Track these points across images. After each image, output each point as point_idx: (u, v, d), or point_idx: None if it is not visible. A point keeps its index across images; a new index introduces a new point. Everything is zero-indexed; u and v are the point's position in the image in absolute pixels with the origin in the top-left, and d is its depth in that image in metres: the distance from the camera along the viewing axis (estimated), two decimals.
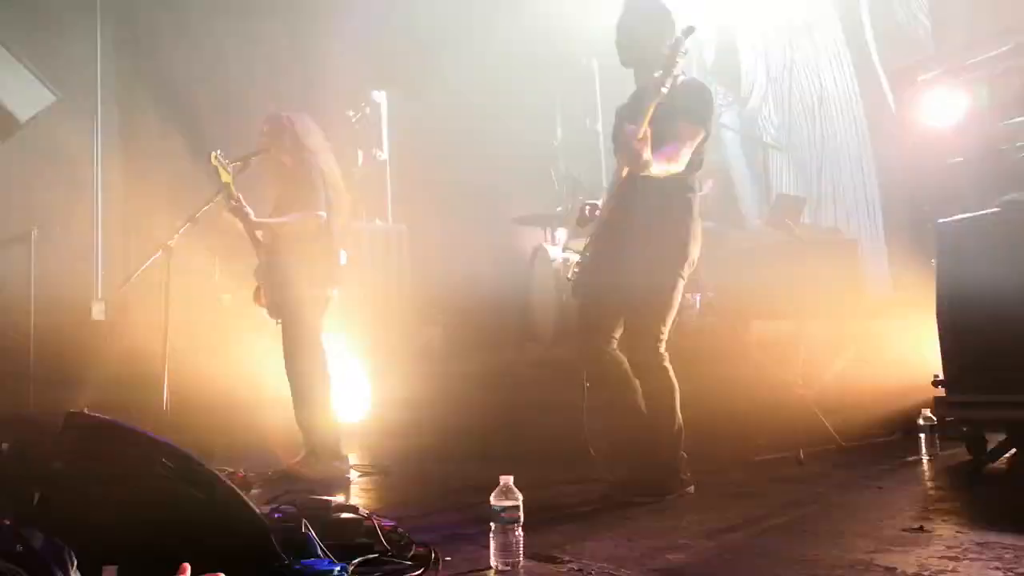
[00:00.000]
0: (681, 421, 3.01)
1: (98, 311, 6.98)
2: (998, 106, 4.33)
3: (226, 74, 7.71)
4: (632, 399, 3.08)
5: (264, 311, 4.25)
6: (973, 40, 4.57)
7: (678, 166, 2.88)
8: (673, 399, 3.00)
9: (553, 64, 7.78)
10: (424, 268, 8.49)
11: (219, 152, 3.97)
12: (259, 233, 4.13)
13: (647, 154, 2.69)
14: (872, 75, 6.08)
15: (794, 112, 6.80)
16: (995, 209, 3.56)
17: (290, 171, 4.17)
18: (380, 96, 8.51)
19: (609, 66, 7.37)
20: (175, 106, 7.65)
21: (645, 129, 2.69)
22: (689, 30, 2.71)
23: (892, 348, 5.26)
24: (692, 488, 2.98)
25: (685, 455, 3.01)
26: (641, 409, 3.06)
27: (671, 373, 3.02)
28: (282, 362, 4.16)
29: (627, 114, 3.09)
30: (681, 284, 3.01)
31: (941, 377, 3.49)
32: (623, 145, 2.76)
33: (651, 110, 2.73)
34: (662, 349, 2.99)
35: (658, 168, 2.78)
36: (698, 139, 2.94)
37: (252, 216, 4.04)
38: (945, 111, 4.52)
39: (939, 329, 3.54)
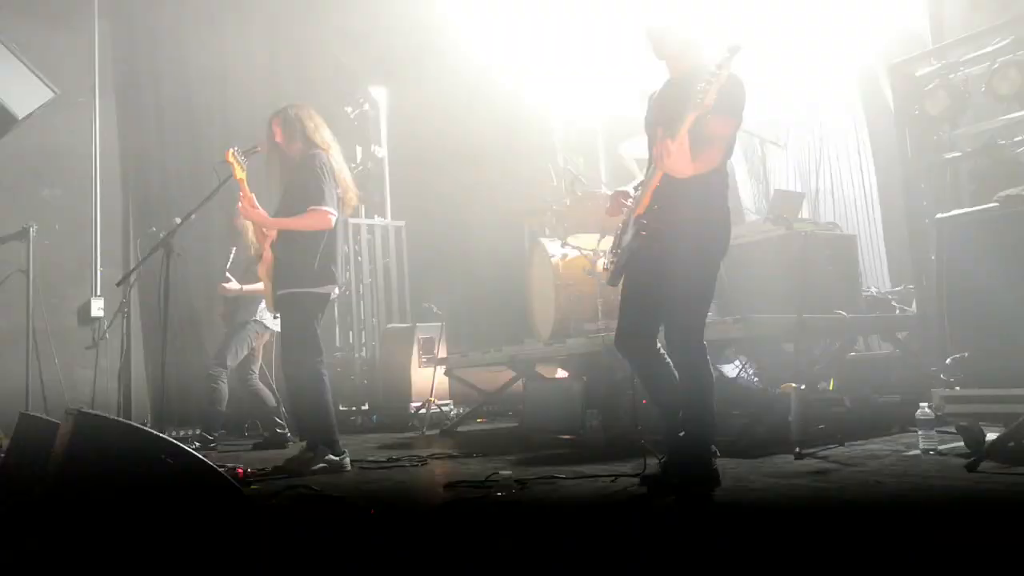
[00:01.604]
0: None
1: (97, 308, 6.99)
2: (997, 101, 4.34)
3: (224, 70, 7.71)
4: (673, 395, 3.09)
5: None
6: (971, 35, 4.56)
7: (718, 164, 2.91)
8: (713, 394, 3.02)
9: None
10: (423, 264, 8.51)
11: (236, 148, 4.00)
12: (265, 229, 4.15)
13: (686, 165, 2.74)
14: (870, 70, 6.08)
15: (792, 108, 6.80)
16: (993, 204, 3.57)
17: (298, 165, 4.17)
18: (379, 92, 8.51)
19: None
20: (174, 102, 7.65)
21: (683, 137, 2.70)
22: (735, 48, 2.64)
23: (890, 342, 5.28)
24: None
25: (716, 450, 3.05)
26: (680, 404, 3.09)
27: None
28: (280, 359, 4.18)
29: (661, 110, 3.06)
30: (716, 275, 3.03)
31: (940, 371, 3.51)
32: (661, 158, 2.76)
33: (690, 121, 2.70)
34: (704, 342, 3.01)
35: (698, 171, 2.81)
36: (732, 130, 2.94)
37: (265, 214, 4.05)
38: (943, 106, 4.53)
39: (938, 323, 3.55)
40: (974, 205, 3.84)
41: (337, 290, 4.23)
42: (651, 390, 3.24)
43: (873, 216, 6.40)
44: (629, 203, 3.18)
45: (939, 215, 3.75)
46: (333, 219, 4.06)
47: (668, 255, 2.99)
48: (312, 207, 4.00)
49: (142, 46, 7.57)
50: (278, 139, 4.20)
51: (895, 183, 5.52)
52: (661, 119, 2.95)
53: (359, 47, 8.07)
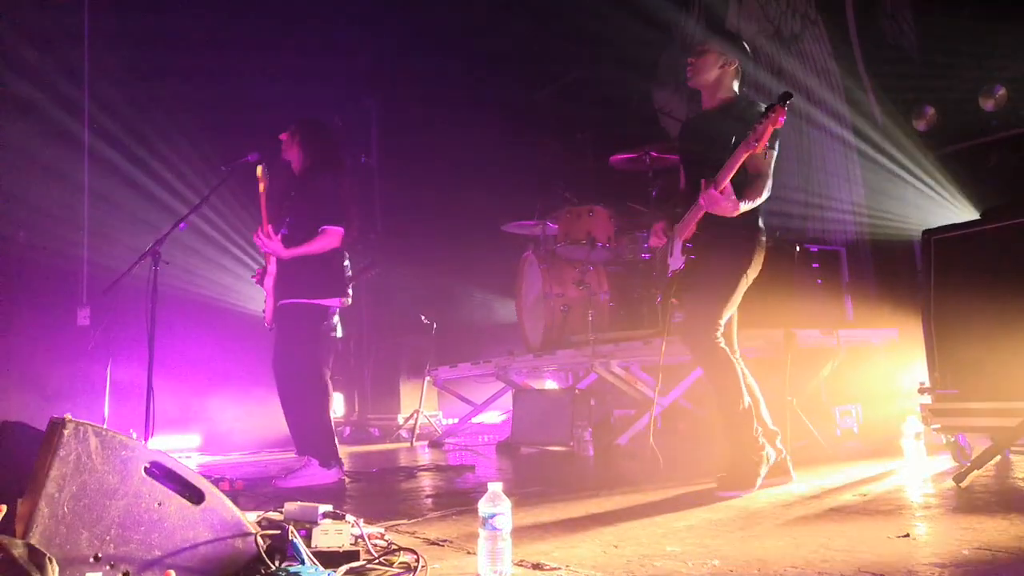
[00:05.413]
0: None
1: (83, 316, 6.94)
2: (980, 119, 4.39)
3: (215, 78, 7.70)
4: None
5: None
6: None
7: (764, 197, 3.12)
8: (738, 392, 3.16)
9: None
10: (414, 275, 8.50)
11: (263, 165, 4.05)
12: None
13: (733, 209, 2.96)
14: (858, 86, 6.13)
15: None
16: (978, 218, 3.60)
17: (307, 181, 4.16)
18: (369, 103, 8.53)
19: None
20: (163, 111, 7.63)
21: (727, 185, 2.91)
22: (787, 96, 2.82)
23: (878, 355, 5.31)
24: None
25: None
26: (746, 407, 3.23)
27: (732, 362, 3.19)
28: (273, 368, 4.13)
29: (696, 143, 3.33)
30: (744, 284, 3.23)
31: (927, 384, 3.52)
32: (709, 206, 2.97)
33: (738, 164, 2.90)
34: (719, 334, 3.17)
35: (745, 208, 3.03)
36: (773, 162, 3.16)
37: (280, 246, 4.01)
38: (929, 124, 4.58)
39: (924, 336, 3.57)
40: (959, 219, 3.87)
41: (341, 302, 4.17)
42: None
43: (861, 230, 6.44)
44: (664, 239, 3.46)
45: (925, 230, 3.78)
46: (341, 237, 4.08)
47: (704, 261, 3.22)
48: (323, 227, 4.02)
49: (134, 53, 7.55)
50: (287, 152, 4.23)
51: (882, 198, 5.57)
52: (696, 156, 3.25)
53: (351, 55, 8.09)
